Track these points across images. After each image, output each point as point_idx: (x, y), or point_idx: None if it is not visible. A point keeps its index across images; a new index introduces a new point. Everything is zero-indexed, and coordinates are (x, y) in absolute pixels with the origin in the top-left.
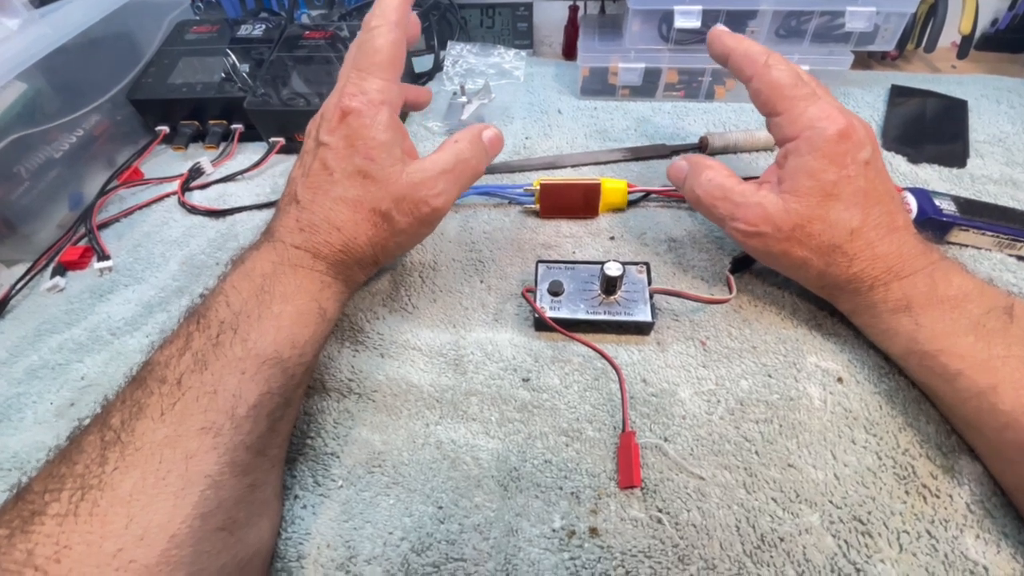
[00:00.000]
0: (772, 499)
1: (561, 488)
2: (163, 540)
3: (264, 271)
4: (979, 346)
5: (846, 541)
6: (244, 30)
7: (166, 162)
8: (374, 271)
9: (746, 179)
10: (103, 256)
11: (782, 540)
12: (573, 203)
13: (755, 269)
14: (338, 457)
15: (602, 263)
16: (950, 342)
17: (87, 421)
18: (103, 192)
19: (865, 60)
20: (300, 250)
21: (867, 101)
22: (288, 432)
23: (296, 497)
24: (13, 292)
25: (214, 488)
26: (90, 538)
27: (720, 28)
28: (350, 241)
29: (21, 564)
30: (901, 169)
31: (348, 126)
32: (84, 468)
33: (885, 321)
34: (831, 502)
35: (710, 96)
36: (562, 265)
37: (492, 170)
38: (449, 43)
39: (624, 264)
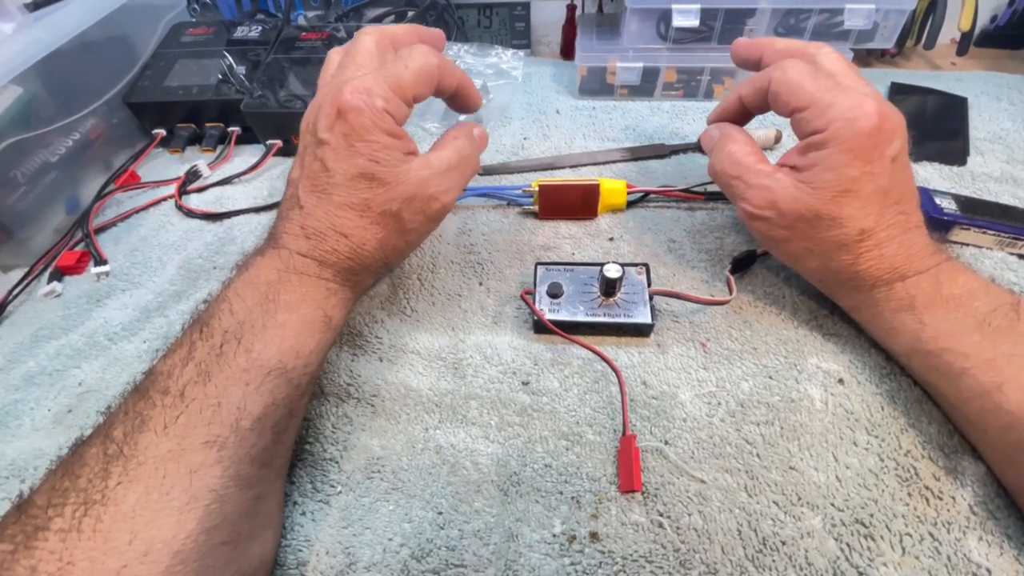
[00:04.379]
0: (774, 502)
1: (561, 493)
2: (167, 556)
3: (269, 279)
4: (985, 344)
5: (848, 544)
6: (240, 32)
7: (163, 165)
8: (384, 273)
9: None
10: (100, 261)
11: (784, 544)
12: (572, 204)
13: (755, 270)
14: (337, 463)
15: (601, 265)
16: (955, 341)
17: (88, 431)
18: (100, 196)
19: (864, 57)
20: (306, 258)
21: None
22: (291, 442)
23: (295, 504)
24: (10, 298)
25: (219, 502)
26: (93, 555)
27: (741, 39)
28: (358, 247)
29: None
30: None
31: (346, 123)
32: (87, 482)
33: (887, 320)
34: (833, 505)
35: (709, 95)
36: (561, 267)
37: (490, 171)
38: (446, 43)
39: (623, 265)
